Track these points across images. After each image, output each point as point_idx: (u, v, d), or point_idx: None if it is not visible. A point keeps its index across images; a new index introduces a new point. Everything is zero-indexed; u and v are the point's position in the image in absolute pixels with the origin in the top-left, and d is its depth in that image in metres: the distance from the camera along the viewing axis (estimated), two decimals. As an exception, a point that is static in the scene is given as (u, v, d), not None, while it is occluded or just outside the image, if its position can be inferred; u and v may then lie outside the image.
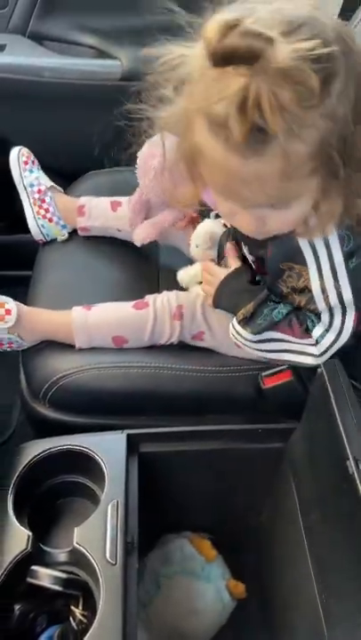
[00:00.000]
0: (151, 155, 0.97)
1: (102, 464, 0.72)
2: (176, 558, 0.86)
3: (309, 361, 0.77)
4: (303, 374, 0.82)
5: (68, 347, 0.90)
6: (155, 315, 0.89)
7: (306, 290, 0.73)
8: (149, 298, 0.92)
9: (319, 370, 0.67)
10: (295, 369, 0.83)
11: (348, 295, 0.71)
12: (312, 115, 0.50)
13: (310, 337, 0.76)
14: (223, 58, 0.47)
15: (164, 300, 0.91)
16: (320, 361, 0.75)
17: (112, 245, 1.09)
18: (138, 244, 1.04)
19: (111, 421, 0.88)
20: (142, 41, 1.31)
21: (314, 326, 0.76)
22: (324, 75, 0.50)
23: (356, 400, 0.64)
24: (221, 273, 0.85)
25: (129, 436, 0.75)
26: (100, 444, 0.74)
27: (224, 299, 0.84)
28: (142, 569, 0.85)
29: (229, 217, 0.66)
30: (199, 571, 0.86)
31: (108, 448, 0.73)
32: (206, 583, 0.85)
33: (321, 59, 0.49)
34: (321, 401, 0.66)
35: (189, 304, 0.90)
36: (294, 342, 0.77)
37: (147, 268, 1.07)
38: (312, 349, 0.76)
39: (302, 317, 0.77)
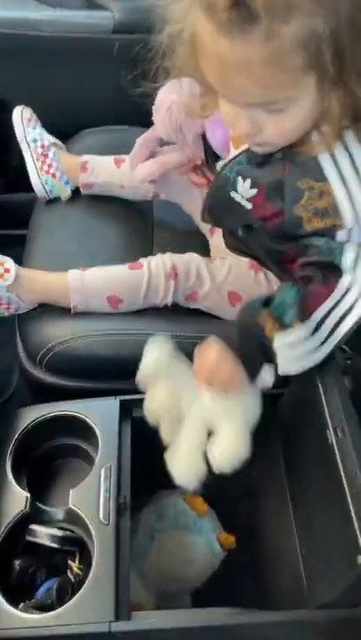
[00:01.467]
0: (170, 90, 0.94)
1: (96, 429, 0.75)
2: (170, 514, 0.90)
3: (356, 314, 0.65)
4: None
5: (63, 313, 0.92)
6: (149, 274, 0.90)
7: (328, 211, 0.65)
8: (144, 260, 0.93)
9: (305, 339, 0.68)
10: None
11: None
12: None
13: (336, 280, 0.65)
14: None
15: (158, 261, 0.92)
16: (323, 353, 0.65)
17: (106, 207, 1.09)
18: (139, 180, 1.02)
19: (106, 385, 0.90)
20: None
21: (342, 252, 0.66)
22: None
23: (340, 370, 0.65)
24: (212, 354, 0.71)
25: (122, 402, 0.78)
26: (93, 410, 0.77)
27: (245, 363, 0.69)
28: (137, 524, 0.90)
29: (230, 122, 0.65)
30: (192, 525, 0.90)
31: (101, 413, 0.76)
32: (198, 536, 0.89)
33: None
34: (307, 370, 0.68)
35: (183, 264, 0.91)
36: (332, 306, 0.66)
37: (141, 229, 1.07)
38: (354, 291, 0.65)
39: (315, 277, 0.67)
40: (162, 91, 0.95)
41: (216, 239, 1.00)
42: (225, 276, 0.90)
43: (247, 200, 0.75)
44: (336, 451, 0.59)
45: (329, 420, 0.61)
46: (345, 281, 0.65)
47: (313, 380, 0.65)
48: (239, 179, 0.74)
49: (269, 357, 0.66)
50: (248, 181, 0.73)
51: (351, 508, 0.55)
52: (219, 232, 0.99)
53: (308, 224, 0.66)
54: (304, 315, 0.65)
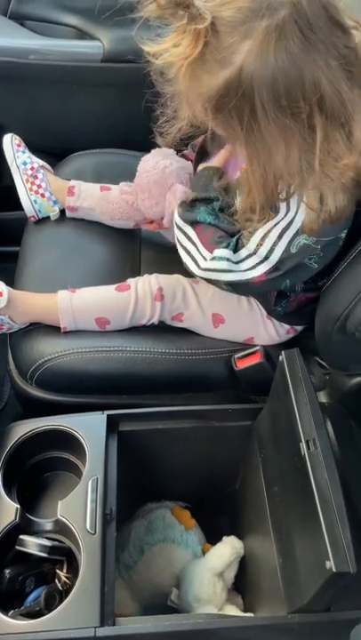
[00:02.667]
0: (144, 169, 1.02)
1: (84, 443, 0.78)
2: (159, 527, 0.93)
3: (192, 267, 0.85)
4: (273, 356, 0.88)
5: (52, 331, 0.95)
6: (136, 297, 0.94)
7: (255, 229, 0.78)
8: (131, 281, 0.96)
9: (281, 357, 0.73)
10: (266, 352, 0.89)
11: (276, 255, 0.76)
12: (207, 56, 0.62)
13: (211, 251, 0.82)
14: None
15: (145, 283, 0.95)
16: (199, 274, 0.84)
17: (95, 226, 1.12)
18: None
19: (94, 400, 0.94)
20: (123, 21, 1.32)
21: (226, 247, 0.80)
22: (230, 28, 0.60)
23: (313, 386, 0.69)
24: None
25: (109, 417, 0.81)
26: (81, 424, 0.80)
27: (195, 185, 0.90)
28: (127, 536, 0.93)
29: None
30: (179, 538, 0.93)
31: (89, 428, 0.80)
32: (185, 549, 0.93)
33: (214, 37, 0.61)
34: (282, 385, 0.72)
35: (170, 286, 0.95)
36: (196, 245, 0.84)
37: (130, 248, 1.11)
38: (201, 261, 0.83)
39: (220, 236, 0.82)
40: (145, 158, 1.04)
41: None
42: (210, 298, 0.94)
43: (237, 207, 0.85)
44: (308, 462, 0.62)
45: (302, 433, 0.65)
46: (206, 254, 0.82)
47: (287, 395, 0.69)
48: (238, 191, 0.84)
49: None
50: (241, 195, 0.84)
51: (321, 516, 0.59)
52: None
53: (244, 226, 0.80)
54: (191, 223, 0.85)
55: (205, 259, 0.82)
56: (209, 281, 0.85)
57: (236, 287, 0.83)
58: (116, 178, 1.16)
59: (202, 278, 0.85)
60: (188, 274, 1.00)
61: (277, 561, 0.71)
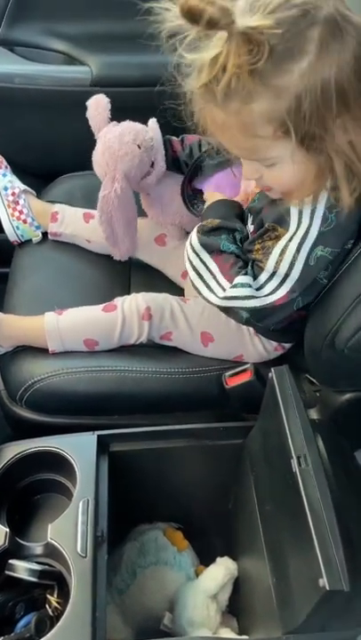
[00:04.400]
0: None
1: (74, 464, 0.77)
2: (151, 550, 0.92)
3: (211, 298, 0.81)
4: (263, 374, 0.88)
5: (41, 352, 0.95)
6: (123, 317, 0.94)
7: (270, 249, 0.76)
8: (118, 300, 0.96)
9: (270, 374, 0.73)
10: (256, 370, 0.89)
11: (297, 270, 0.74)
12: (260, 86, 0.59)
13: (231, 281, 0.79)
14: (184, 14, 0.55)
15: (132, 302, 0.95)
16: (218, 303, 0.81)
17: (84, 247, 1.14)
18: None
19: (84, 421, 0.93)
20: (111, 47, 1.35)
21: (245, 274, 0.79)
22: (285, 52, 0.58)
23: (303, 402, 0.70)
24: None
25: (99, 437, 0.80)
26: (72, 445, 0.79)
27: (210, 212, 0.88)
28: (119, 559, 0.91)
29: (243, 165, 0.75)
30: (171, 560, 0.92)
31: (79, 449, 0.79)
32: (178, 571, 0.91)
33: (286, 37, 0.57)
34: (272, 403, 0.72)
35: (158, 305, 0.95)
36: (214, 276, 0.81)
37: (119, 269, 1.11)
38: (220, 291, 0.80)
39: (240, 267, 0.81)
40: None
41: (189, 282, 1.05)
42: (198, 316, 0.94)
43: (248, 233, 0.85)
44: (299, 479, 0.62)
45: (292, 450, 0.64)
46: (225, 284, 0.80)
47: (278, 412, 0.69)
48: (249, 215, 0.86)
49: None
50: (251, 217, 0.85)
51: (313, 533, 0.58)
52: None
53: (255, 252, 0.79)
54: (210, 251, 0.83)
55: (225, 288, 0.80)
56: (227, 311, 0.82)
57: (257, 314, 0.79)
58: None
59: (221, 308, 0.82)
60: (176, 293, 1.01)
61: (271, 581, 0.70)
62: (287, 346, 0.94)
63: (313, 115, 0.60)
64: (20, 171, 1.20)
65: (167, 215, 1.06)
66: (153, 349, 0.97)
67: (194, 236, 0.84)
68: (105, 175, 0.99)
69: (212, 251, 0.82)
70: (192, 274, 0.84)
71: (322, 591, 0.55)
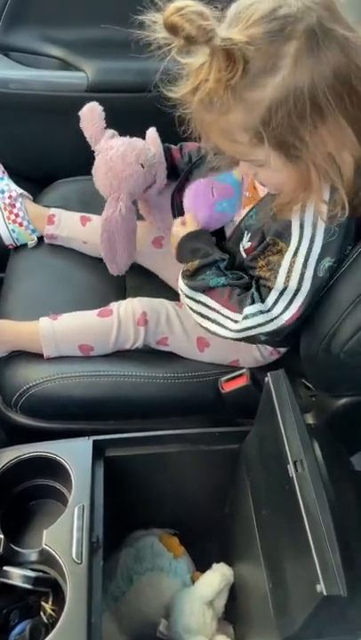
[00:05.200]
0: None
1: (70, 469, 0.76)
2: (147, 556, 0.91)
3: (224, 333, 0.81)
4: (259, 379, 0.88)
5: (36, 357, 0.94)
6: (118, 322, 0.93)
7: (275, 267, 0.77)
8: (114, 305, 0.96)
9: (266, 379, 0.73)
10: (252, 375, 0.89)
11: (307, 284, 0.74)
12: (235, 100, 0.62)
13: (237, 311, 0.80)
14: (167, 28, 0.59)
15: (127, 308, 0.95)
16: (234, 336, 0.81)
17: (80, 252, 1.13)
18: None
19: (80, 426, 0.93)
20: (107, 53, 1.35)
21: (252, 303, 0.79)
22: (260, 67, 0.60)
23: (300, 407, 0.69)
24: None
25: (95, 442, 0.80)
26: (67, 451, 0.79)
27: (184, 254, 0.87)
28: (115, 566, 0.91)
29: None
30: (167, 566, 0.91)
31: (75, 454, 0.78)
32: (174, 578, 0.91)
33: (262, 52, 0.60)
34: (268, 408, 0.72)
35: (153, 311, 0.95)
36: (218, 311, 0.82)
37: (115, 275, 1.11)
38: (231, 324, 0.80)
39: (239, 293, 0.81)
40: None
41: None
42: (194, 322, 0.94)
43: (244, 251, 0.84)
44: (296, 484, 0.62)
45: (289, 455, 0.64)
46: (234, 318, 0.80)
47: (274, 417, 0.69)
48: (246, 233, 0.84)
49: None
50: (249, 234, 0.83)
51: (310, 538, 0.58)
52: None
53: (259, 269, 0.79)
54: (203, 290, 0.83)
55: (236, 320, 0.80)
56: (244, 340, 0.82)
57: (275, 335, 0.79)
58: (100, 204, 1.16)
59: (239, 340, 0.82)
60: (172, 297, 1.01)
61: (268, 587, 0.70)
62: (282, 350, 0.94)
63: (285, 125, 0.62)
64: (15, 175, 1.20)
65: (166, 222, 1.06)
66: (148, 354, 0.96)
67: (181, 283, 0.85)
68: (109, 195, 0.98)
69: (204, 290, 0.83)
70: (197, 318, 0.84)
71: (319, 597, 0.55)
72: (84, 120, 1.02)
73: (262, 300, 0.78)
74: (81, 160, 1.29)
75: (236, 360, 0.95)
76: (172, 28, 0.58)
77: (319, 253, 0.73)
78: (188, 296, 0.84)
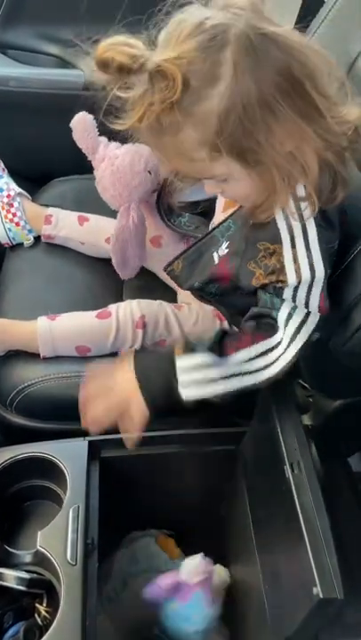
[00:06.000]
0: None
1: (65, 470, 0.76)
2: (142, 557, 0.91)
3: (281, 365, 0.69)
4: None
5: (32, 356, 0.94)
6: (117, 324, 0.93)
7: (276, 269, 0.70)
8: (112, 307, 0.96)
9: (263, 380, 0.72)
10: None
11: (320, 267, 0.68)
12: (183, 117, 0.61)
13: (268, 335, 0.70)
14: (98, 65, 0.60)
15: (126, 310, 0.94)
16: (290, 354, 0.69)
17: (77, 252, 1.13)
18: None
19: (76, 426, 0.92)
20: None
21: (279, 309, 0.70)
22: (199, 81, 0.59)
23: (296, 408, 0.69)
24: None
25: (90, 443, 0.79)
26: (62, 451, 0.78)
27: (151, 384, 0.73)
28: (110, 567, 0.90)
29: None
30: (163, 567, 0.91)
31: (70, 455, 0.78)
32: (170, 579, 0.90)
33: (197, 67, 0.59)
34: (265, 409, 0.71)
35: (152, 314, 0.94)
36: (253, 356, 0.70)
37: (111, 274, 1.10)
38: (275, 352, 0.70)
39: (251, 324, 0.73)
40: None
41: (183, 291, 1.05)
42: (192, 324, 0.94)
43: (218, 258, 0.80)
44: (293, 485, 0.62)
45: (286, 456, 0.64)
46: (276, 337, 0.70)
47: (271, 418, 0.68)
48: (224, 241, 0.80)
49: (169, 382, 0.70)
50: (227, 243, 0.80)
51: (306, 540, 0.58)
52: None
53: (257, 280, 0.72)
54: (222, 352, 0.70)
55: (277, 343, 0.69)
56: (302, 349, 0.70)
57: (324, 325, 0.71)
58: (96, 203, 1.16)
59: (294, 356, 0.69)
60: (170, 297, 1.00)
61: (264, 589, 0.69)
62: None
63: (239, 131, 0.61)
64: (11, 174, 1.19)
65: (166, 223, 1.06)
66: (145, 354, 0.96)
67: (192, 392, 0.71)
68: (118, 205, 0.98)
69: (221, 352, 0.71)
70: (245, 383, 0.70)
71: (315, 599, 0.54)
72: (77, 132, 1.01)
73: (283, 300, 0.70)
74: (78, 159, 1.29)
75: None
76: (104, 64, 0.59)
77: (318, 237, 0.69)
78: (220, 392, 0.71)
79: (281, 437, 0.65)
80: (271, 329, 0.70)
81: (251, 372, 0.70)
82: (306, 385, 0.91)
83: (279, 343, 0.70)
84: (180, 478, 0.87)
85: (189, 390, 0.70)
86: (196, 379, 0.70)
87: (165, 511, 0.91)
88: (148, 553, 0.91)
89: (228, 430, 0.85)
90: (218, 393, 0.70)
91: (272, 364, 0.70)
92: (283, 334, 0.70)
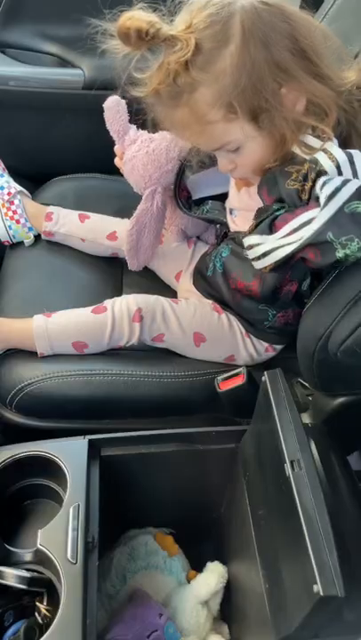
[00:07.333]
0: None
1: (65, 469, 0.76)
2: (141, 554, 0.91)
3: (315, 225, 0.64)
4: (256, 378, 0.88)
5: (32, 355, 0.94)
6: (113, 318, 0.92)
7: (313, 167, 0.67)
8: (108, 302, 0.95)
9: (263, 378, 0.72)
10: (248, 374, 0.89)
11: (350, 151, 0.67)
12: (199, 75, 0.67)
13: (305, 210, 0.67)
14: (119, 37, 0.68)
15: (122, 304, 0.94)
16: (328, 213, 0.63)
17: (77, 249, 1.13)
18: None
19: (75, 425, 0.93)
20: (104, 50, 1.34)
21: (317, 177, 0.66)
22: (211, 41, 0.67)
23: (296, 407, 0.69)
24: None
25: (90, 442, 0.79)
26: (62, 450, 0.78)
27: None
28: (109, 564, 0.90)
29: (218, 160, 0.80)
30: (162, 564, 0.91)
31: (70, 453, 0.78)
32: (168, 576, 0.90)
33: (208, 30, 0.67)
34: (265, 407, 0.71)
35: (149, 307, 0.94)
36: (294, 228, 0.68)
37: (111, 272, 1.11)
38: (314, 211, 0.65)
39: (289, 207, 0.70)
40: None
41: (183, 283, 1.05)
42: (190, 317, 0.94)
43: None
44: (293, 483, 0.62)
45: (286, 454, 0.64)
46: (311, 213, 0.66)
47: (271, 416, 0.69)
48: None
49: None
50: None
51: (307, 539, 0.58)
52: (185, 276, 1.03)
53: (302, 189, 0.68)
54: (271, 229, 0.71)
55: (316, 209, 0.65)
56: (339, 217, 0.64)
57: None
58: (96, 202, 1.16)
59: (330, 219, 0.64)
60: (169, 295, 1.00)
61: (264, 587, 0.69)
62: (278, 347, 0.94)
63: (250, 88, 0.67)
64: (10, 173, 1.19)
65: (170, 218, 1.05)
66: (145, 353, 0.96)
67: (251, 240, 0.73)
68: (144, 187, 0.97)
69: (271, 226, 0.71)
70: (283, 251, 0.69)
71: (316, 597, 0.54)
72: (110, 113, 0.97)
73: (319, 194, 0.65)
74: (77, 157, 1.29)
75: (231, 356, 0.94)
76: (125, 35, 0.67)
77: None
78: (266, 243, 0.71)
79: (281, 436, 0.65)
80: (312, 191, 0.67)
81: (287, 244, 0.68)
82: (305, 383, 0.91)
83: (317, 207, 0.65)
84: (179, 477, 0.87)
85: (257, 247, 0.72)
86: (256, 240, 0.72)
87: (165, 509, 0.91)
88: (147, 550, 0.92)
89: (227, 429, 0.85)
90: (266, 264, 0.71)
91: (307, 225, 0.65)
92: (325, 196, 0.64)
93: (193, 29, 0.67)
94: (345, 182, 0.64)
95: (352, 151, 0.68)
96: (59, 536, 0.70)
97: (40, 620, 0.69)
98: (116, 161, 1.00)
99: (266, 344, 0.93)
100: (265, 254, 0.71)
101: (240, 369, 0.90)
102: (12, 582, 0.68)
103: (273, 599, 0.67)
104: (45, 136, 1.31)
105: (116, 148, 1.00)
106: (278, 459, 0.65)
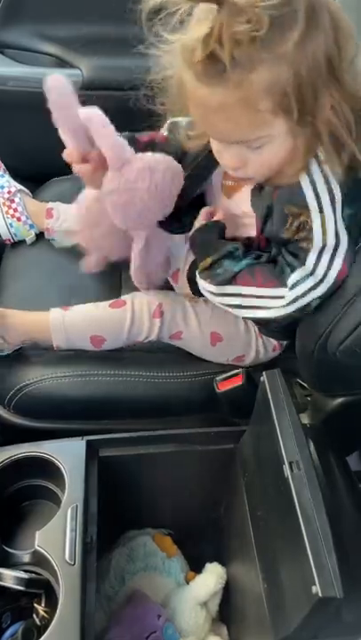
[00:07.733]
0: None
1: (63, 470, 0.76)
2: (140, 555, 0.91)
3: (275, 313, 0.75)
4: (255, 378, 0.88)
5: (31, 356, 0.94)
6: (132, 313, 0.90)
7: (305, 227, 0.71)
8: (126, 297, 0.94)
9: (262, 378, 0.72)
10: (247, 374, 0.89)
11: (343, 234, 0.70)
12: (262, 53, 0.59)
13: (278, 285, 0.75)
14: None
15: (142, 299, 0.92)
16: (287, 310, 0.74)
17: (75, 247, 1.13)
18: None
19: (74, 426, 0.92)
20: (102, 50, 1.35)
21: (293, 270, 0.73)
22: (280, 21, 0.59)
23: (295, 407, 0.69)
24: None
25: (89, 442, 0.79)
26: (60, 451, 0.78)
27: (197, 250, 0.83)
28: (108, 566, 0.90)
29: (219, 157, 0.74)
30: (160, 565, 0.91)
31: (68, 454, 0.78)
32: (167, 577, 0.90)
33: (278, 8, 0.58)
34: (264, 408, 0.71)
35: (170, 303, 0.92)
36: (256, 296, 0.76)
37: (109, 269, 1.09)
38: (277, 301, 0.75)
39: (268, 268, 0.76)
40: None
41: (182, 283, 1.04)
42: (209, 317, 0.92)
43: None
44: (291, 484, 0.61)
45: (285, 455, 0.64)
46: (281, 291, 0.75)
47: (270, 417, 0.68)
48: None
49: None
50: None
51: (306, 540, 0.57)
52: (183, 277, 1.03)
53: (286, 232, 0.73)
54: (230, 281, 0.78)
55: (281, 296, 0.74)
56: (297, 312, 0.74)
57: (328, 294, 0.73)
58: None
59: (290, 315, 0.75)
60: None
61: (263, 588, 0.69)
62: (284, 344, 0.94)
63: (309, 85, 0.62)
64: (10, 173, 1.19)
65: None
66: (144, 354, 0.95)
67: (203, 284, 0.81)
68: (133, 227, 0.85)
69: (231, 280, 0.77)
70: (237, 312, 0.80)
71: (315, 598, 0.54)
72: (55, 95, 0.87)
73: (303, 264, 0.72)
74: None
75: (242, 355, 0.93)
76: None
77: (340, 200, 0.69)
78: (216, 294, 0.79)
79: (280, 436, 0.65)
80: (283, 280, 0.75)
81: (245, 307, 0.79)
82: (304, 384, 0.91)
83: (282, 298, 0.75)
84: (178, 477, 0.87)
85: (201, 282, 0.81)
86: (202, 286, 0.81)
87: (164, 510, 0.91)
88: (145, 551, 0.91)
89: (226, 429, 0.85)
90: (214, 298, 0.81)
91: (267, 309, 0.77)
92: (288, 293, 0.74)
93: (262, 4, 0.58)
94: (312, 288, 0.72)
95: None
96: (57, 537, 0.69)
97: (38, 622, 0.69)
98: (79, 168, 0.86)
99: (274, 342, 0.93)
100: (230, 306, 0.80)
101: (239, 369, 0.90)
102: (9, 583, 0.68)
103: (272, 600, 0.67)
104: (45, 136, 1.29)
105: (69, 153, 0.85)
106: (277, 459, 0.65)
